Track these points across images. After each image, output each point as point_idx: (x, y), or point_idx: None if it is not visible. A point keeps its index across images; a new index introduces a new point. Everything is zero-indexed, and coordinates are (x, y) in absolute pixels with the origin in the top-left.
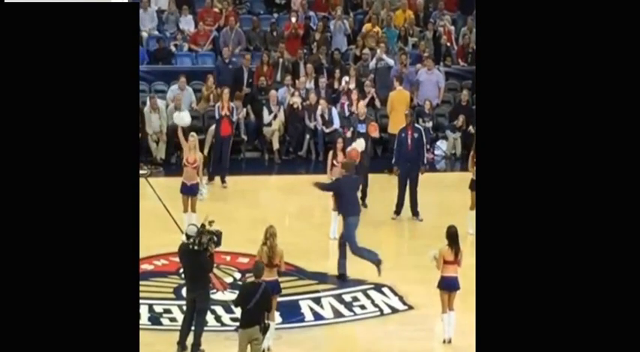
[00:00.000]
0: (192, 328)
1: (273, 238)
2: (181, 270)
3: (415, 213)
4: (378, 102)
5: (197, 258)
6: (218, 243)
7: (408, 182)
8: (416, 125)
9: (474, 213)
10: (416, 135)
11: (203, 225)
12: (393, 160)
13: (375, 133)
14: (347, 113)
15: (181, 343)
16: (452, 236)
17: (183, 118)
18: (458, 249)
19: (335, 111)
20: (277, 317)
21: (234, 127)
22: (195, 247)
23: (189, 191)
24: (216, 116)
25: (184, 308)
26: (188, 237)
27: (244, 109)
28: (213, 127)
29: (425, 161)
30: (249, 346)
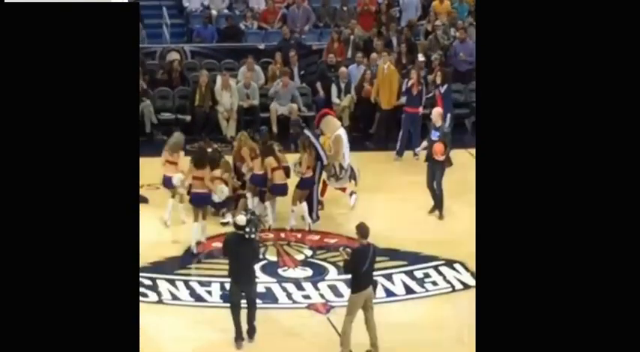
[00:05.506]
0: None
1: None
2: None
3: None
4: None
5: (250, 246)
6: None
7: None
8: None
9: None
10: None
11: (253, 213)
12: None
13: (439, 156)
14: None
15: (240, 337)
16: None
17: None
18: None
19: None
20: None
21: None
22: (252, 235)
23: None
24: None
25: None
26: (238, 227)
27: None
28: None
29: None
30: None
